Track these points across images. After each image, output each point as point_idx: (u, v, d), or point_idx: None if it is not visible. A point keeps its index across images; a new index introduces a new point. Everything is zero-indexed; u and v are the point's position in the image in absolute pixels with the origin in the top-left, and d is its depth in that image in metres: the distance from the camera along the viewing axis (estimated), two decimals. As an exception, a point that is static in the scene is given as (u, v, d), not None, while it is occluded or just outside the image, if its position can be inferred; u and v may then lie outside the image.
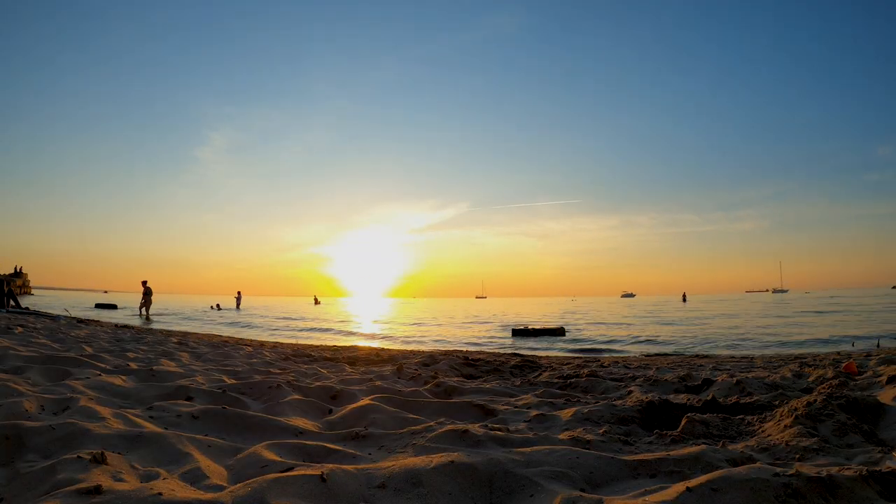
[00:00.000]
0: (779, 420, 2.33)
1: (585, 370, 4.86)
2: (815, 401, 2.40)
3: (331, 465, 1.66)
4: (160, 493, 1.34)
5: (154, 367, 3.89)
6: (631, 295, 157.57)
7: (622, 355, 9.96)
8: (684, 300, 60.55)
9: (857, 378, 3.71)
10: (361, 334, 17.14)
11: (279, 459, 1.80)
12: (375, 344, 12.88)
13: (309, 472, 1.56)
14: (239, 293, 36.77)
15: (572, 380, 4.18)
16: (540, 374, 4.80)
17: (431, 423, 2.43)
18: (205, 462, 1.77)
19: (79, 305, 27.61)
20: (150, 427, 2.13)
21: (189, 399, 2.88)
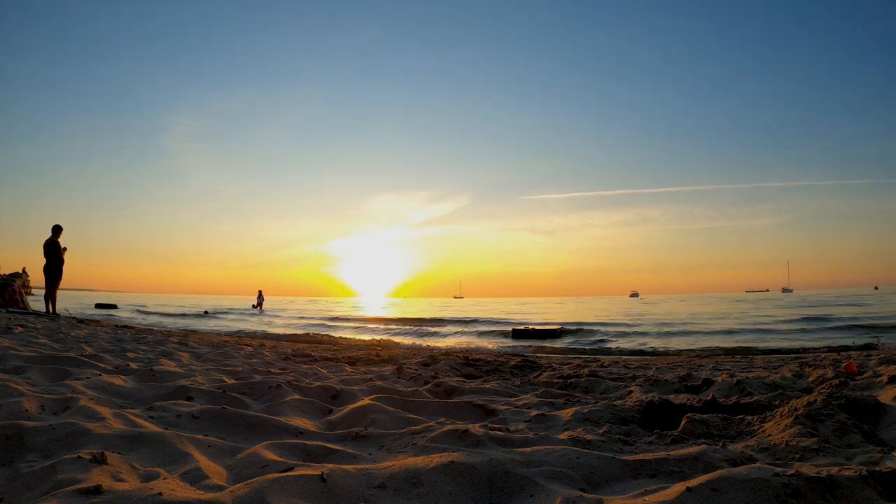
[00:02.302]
0: (779, 420, 2.33)
1: (585, 370, 4.86)
2: (816, 401, 2.40)
3: (331, 465, 1.66)
4: (160, 493, 1.34)
5: (154, 367, 3.89)
6: (636, 295, 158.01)
7: (622, 355, 9.96)
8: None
9: (857, 378, 3.71)
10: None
11: (279, 459, 1.80)
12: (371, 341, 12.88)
13: (309, 472, 1.56)
14: (260, 292, 36.37)
15: (572, 380, 4.18)
16: (540, 374, 4.80)
17: (431, 423, 2.43)
18: (205, 462, 1.77)
19: (79, 305, 27.63)
20: (150, 427, 2.13)
21: (189, 399, 2.88)
